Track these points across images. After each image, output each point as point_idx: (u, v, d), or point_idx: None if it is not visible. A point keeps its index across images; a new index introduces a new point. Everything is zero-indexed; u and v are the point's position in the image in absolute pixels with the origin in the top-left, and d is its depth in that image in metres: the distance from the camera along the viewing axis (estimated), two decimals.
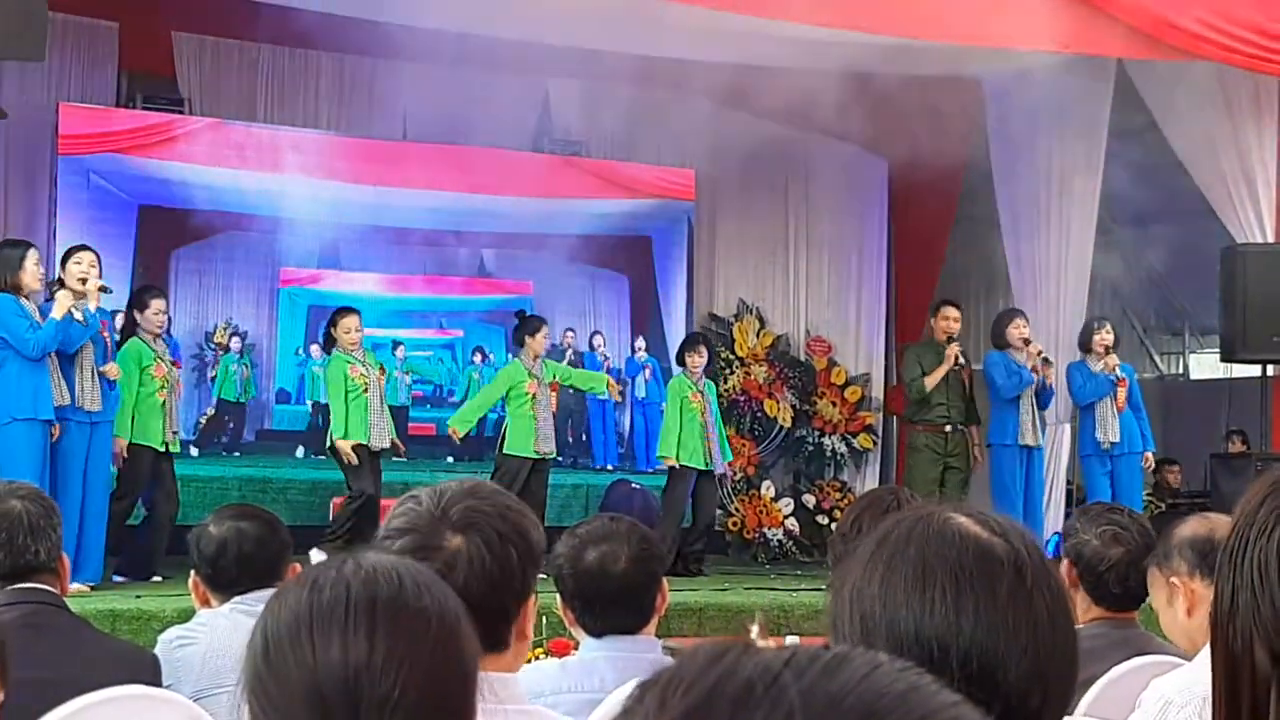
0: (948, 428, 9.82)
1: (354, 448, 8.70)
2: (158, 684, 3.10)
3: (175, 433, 8.50)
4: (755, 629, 0.86)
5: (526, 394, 9.27)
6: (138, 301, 8.52)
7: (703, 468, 9.74)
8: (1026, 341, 9.69)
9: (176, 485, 8.56)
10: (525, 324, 9.59)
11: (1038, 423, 9.79)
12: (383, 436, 8.85)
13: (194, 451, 10.54)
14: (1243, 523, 1.30)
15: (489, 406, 9.84)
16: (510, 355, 9.93)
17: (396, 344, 11.26)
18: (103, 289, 7.80)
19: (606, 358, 11.83)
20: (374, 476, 8.84)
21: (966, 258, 12.39)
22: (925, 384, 9.81)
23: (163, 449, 8.35)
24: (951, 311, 10.03)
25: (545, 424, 9.32)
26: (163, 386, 8.32)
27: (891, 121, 10.03)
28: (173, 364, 8.65)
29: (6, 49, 7.56)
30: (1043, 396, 9.76)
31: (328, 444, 8.95)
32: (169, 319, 8.87)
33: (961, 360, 9.84)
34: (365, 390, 8.79)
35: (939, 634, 1.32)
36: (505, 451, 9.38)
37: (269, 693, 1.42)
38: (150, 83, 10.65)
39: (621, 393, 10.78)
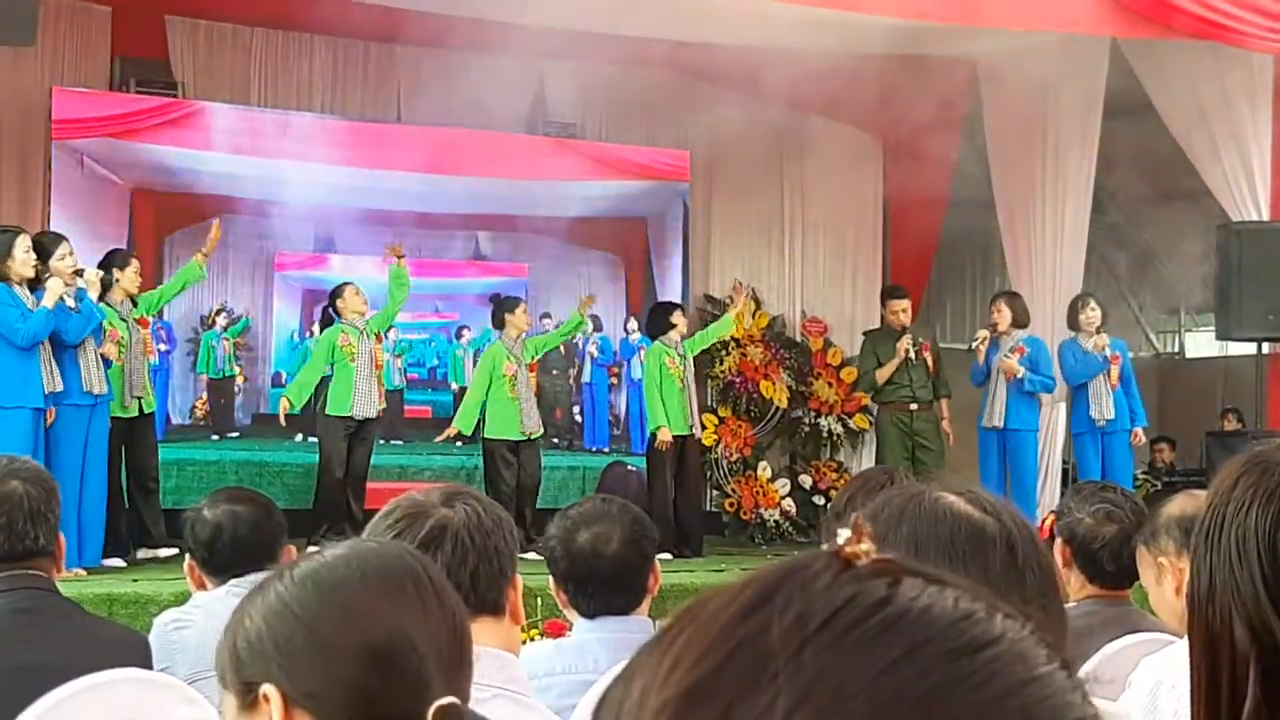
0: (913, 406, 10.07)
1: (337, 419, 8.85)
2: (148, 667, 3.10)
3: (138, 397, 8.41)
4: (846, 533, 0.76)
5: (505, 376, 9.26)
6: (120, 260, 8.49)
7: (685, 433, 9.74)
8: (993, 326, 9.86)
9: (137, 456, 8.50)
10: (503, 304, 9.63)
11: (1000, 405, 9.77)
12: (368, 406, 8.87)
13: (215, 437, 10.65)
14: (1218, 501, 1.30)
15: (484, 398, 9.73)
16: (495, 335, 9.86)
17: (390, 327, 11.18)
18: (104, 279, 7.81)
19: (591, 340, 11.77)
20: (362, 449, 8.98)
21: (962, 237, 12.39)
22: (877, 378, 10.15)
23: (121, 414, 8.28)
24: (897, 304, 10.19)
25: (528, 404, 9.34)
26: (119, 349, 8.20)
27: (886, 102, 10.04)
28: (138, 322, 8.54)
29: None
30: (1026, 383, 9.77)
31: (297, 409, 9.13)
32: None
33: (912, 356, 9.96)
34: (352, 359, 8.85)
35: None
36: (488, 435, 9.39)
37: (313, 668, 1.47)
38: (144, 66, 10.61)
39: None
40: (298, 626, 1.48)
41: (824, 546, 0.69)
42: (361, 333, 8.97)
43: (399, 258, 9.40)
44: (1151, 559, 3.01)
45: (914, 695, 0.62)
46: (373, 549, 1.61)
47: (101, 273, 7.88)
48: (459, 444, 9.79)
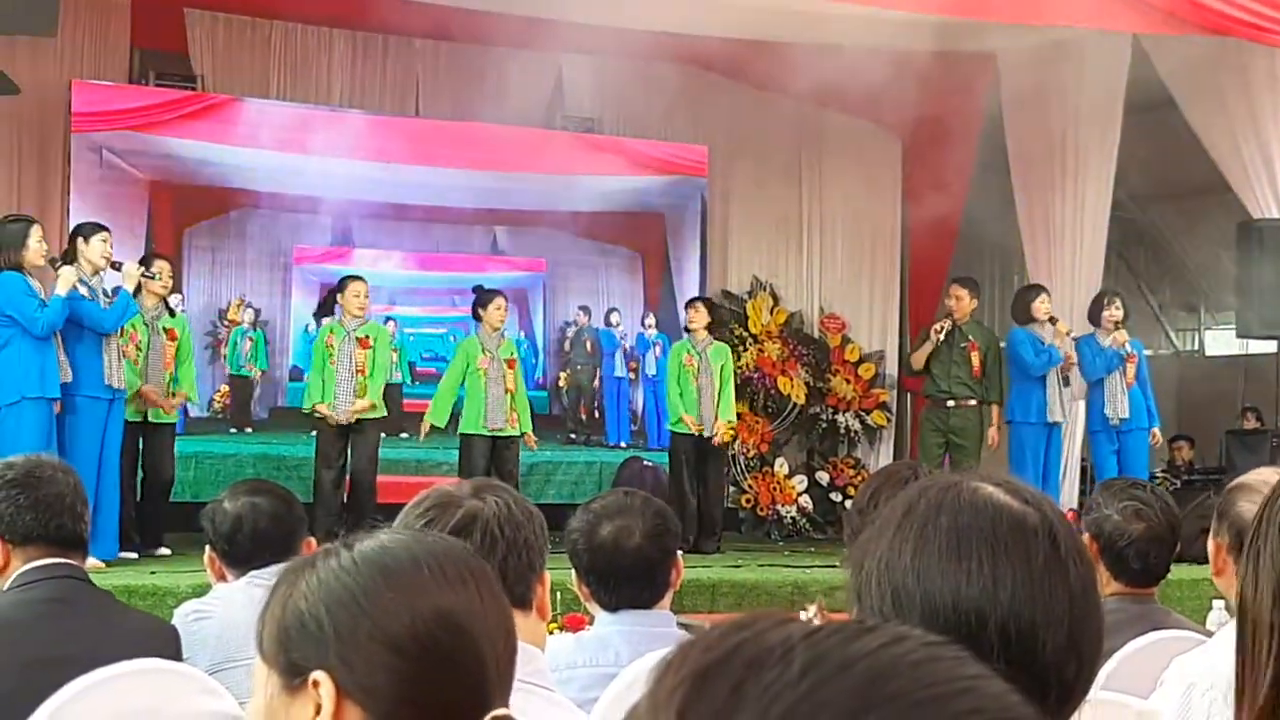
0: (950, 403, 9.89)
1: (318, 417, 8.94)
2: (178, 657, 3.10)
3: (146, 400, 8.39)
4: (812, 609, 0.83)
5: (479, 369, 9.19)
6: (147, 262, 8.53)
7: (692, 431, 9.68)
8: (1053, 319, 9.69)
9: (149, 460, 8.50)
10: (479, 297, 9.43)
11: (1063, 399, 9.75)
12: (337, 409, 8.86)
13: (233, 430, 10.71)
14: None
15: (455, 390, 9.41)
16: (471, 331, 9.77)
17: (388, 320, 11.10)
18: (145, 275, 7.87)
19: (624, 336, 11.81)
20: (362, 446, 8.96)
21: (981, 233, 12.35)
22: (913, 360, 10.01)
23: (138, 418, 8.30)
24: (955, 290, 10.04)
25: (495, 400, 9.15)
26: (134, 346, 8.21)
27: (906, 98, 9.99)
28: (166, 333, 8.52)
29: (19, 24, 7.58)
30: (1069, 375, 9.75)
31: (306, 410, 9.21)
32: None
33: (939, 336, 9.86)
34: (332, 360, 8.90)
35: (977, 605, 1.31)
36: (460, 430, 9.32)
37: (374, 658, 1.42)
38: (163, 59, 10.64)
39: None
40: (362, 616, 1.42)
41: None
42: (347, 334, 8.93)
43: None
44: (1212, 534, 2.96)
45: (908, 662, 0.73)
46: (434, 539, 1.56)
47: (142, 267, 7.91)
48: (425, 437, 9.61)
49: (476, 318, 9.42)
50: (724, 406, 9.91)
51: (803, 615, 0.80)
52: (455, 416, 9.50)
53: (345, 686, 1.41)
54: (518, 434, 9.33)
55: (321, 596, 1.45)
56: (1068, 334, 9.69)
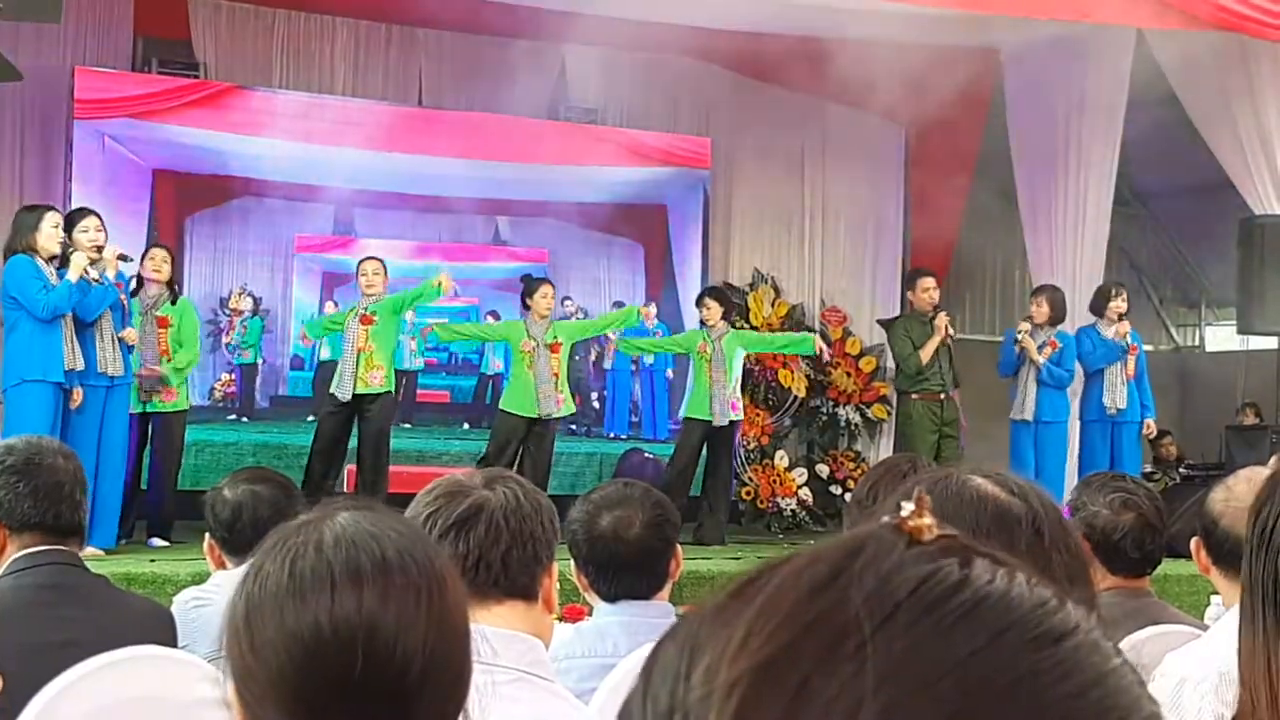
0: (943, 395, 9.89)
1: (327, 396, 8.96)
2: (173, 643, 3.10)
3: (149, 391, 8.34)
4: (910, 506, 0.70)
5: (522, 352, 9.22)
6: (145, 254, 8.59)
7: (707, 418, 9.68)
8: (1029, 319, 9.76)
9: (159, 444, 8.49)
10: (526, 286, 9.54)
11: (1030, 397, 9.71)
12: (342, 389, 8.82)
13: (232, 418, 10.75)
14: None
15: (475, 337, 10.13)
16: (471, 318, 9.92)
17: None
18: (122, 257, 7.79)
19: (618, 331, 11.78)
20: (367, 425, 8.89)
21: (983, 227, 12.35)
22: (920, 358, 9.86)
23: (141, 408, 8.31)
24: (929, 282, 10.03)
25: (544, 384, 9.18)
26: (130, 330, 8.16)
27: (909, 91, 10.00)
28: (158, 321, 8.42)
29: (24, 10, 7.58)
30: (1043, 373, 9.69)
31: None
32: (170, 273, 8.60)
33: (952, 331, 9.87)
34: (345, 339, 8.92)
35: None
36: (501, 407, 9.38)
37: (250, 668, 1.41)
38: (166, 47, 10.63)
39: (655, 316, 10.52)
40: (240, 623, 1.42)
41: (885, 519, 0.68)
42: (357, 315, 8.91)
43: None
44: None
45: (1001, 683, 0.61)
46: (347, 535, 1.46)
47: (119, 249, 7.84)
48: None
49: (525, 306, 9.47)
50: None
51: (904, 510, 0.68)
52: (497, 396, 9.65)
53: (240, 697, 1.43)
54: (564, 415, 9.42)
55: (228, 604, 1.46)
56: (1025, 334, 9.71)
